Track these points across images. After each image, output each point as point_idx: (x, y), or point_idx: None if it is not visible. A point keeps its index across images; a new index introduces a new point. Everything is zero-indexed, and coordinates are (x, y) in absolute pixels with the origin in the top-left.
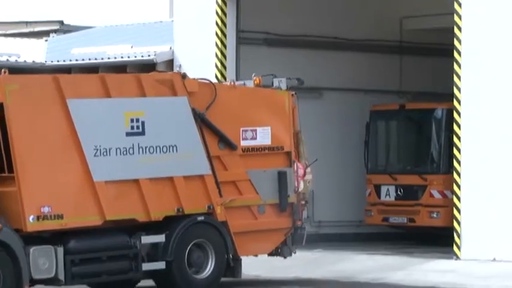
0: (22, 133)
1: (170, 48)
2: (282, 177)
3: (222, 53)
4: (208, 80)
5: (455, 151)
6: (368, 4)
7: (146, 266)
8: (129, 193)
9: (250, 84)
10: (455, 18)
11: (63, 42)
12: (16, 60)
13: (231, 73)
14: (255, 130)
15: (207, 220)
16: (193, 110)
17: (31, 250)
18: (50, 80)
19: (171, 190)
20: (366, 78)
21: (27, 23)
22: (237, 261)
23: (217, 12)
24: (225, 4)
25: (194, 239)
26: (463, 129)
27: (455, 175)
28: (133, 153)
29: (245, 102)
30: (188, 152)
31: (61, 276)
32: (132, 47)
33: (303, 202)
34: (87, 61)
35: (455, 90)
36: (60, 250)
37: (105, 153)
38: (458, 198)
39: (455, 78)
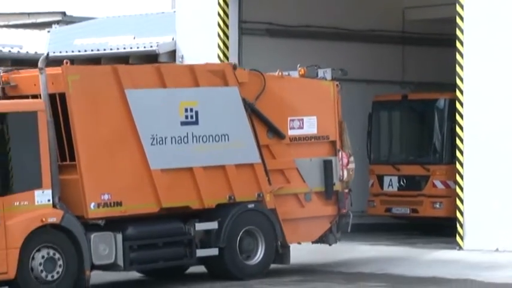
0: (83, 122)
1: (172, 39)
2: (327, 165)
3: (224, 43)
4: (257, 70)
5: (457, 141)
6: None
7: (200, 253)
8: (183, 181)
9: (294, 74)
10: (458, 8)
11: (65, 33)
12: (18, 52)
13: None
14: (302, 119)
15: (257, 208)
16: (243, 99)
17: (92, 236)
18: (109, 71)
19: (223, 178)
20: (368, 68)
21: (29, 14)
22: (286, 248)
23: (219, 3)
24: None
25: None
26: (466, 119)
27: (457, 165)
28: (187, 142)
29: (292, 92)
30: (239, 141)
31: (120, 262)
32: (134, 38)
33: (347, 190)
34: (89, 52)
35: (458, 81)
36: (119, 236)
37: (161, 142)
38: (461, 189)
39: (458, 69)
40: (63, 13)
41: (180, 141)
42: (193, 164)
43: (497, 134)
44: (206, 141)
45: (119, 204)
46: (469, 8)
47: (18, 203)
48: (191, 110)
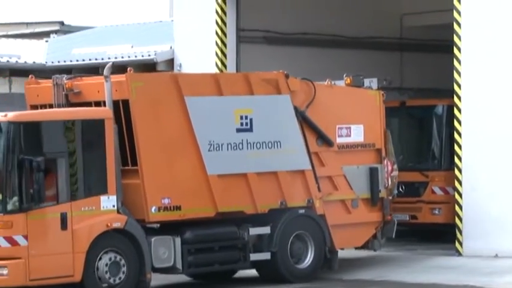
0: (145, 128)
1: (170, 47)
2: (373, 173)
3: (222, 51)
4: (308, 79)
5: (456, 147)
6: (368, 1)
7: (254, 257)
8: (238, 186)
9: (341, 83)
10: (455, 14)
11: (63, 43)
12: (17, 61)
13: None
14: (350, 128)
15: (307, 213)
16: (295, 107)
17: (152, 240)
18: (169, 79)
19: (275, 184)
20: (366, 75)
21: (27, 24)
22: (333, 253)
23: (217, 11)
24: (225, 3)
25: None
26: (464, 126)
27: (456, 171)
28: (242, 148)
29: (340, 100)
30: (291, 147)
31: (179, 265)
32: (132, 46)
33: (391, 197)
34: (87, 61)
35: (456, 87)
36: (178, 240)
37: (217, 148)
38: (460, 195)
39: (456, 75)
40: (61, 23)
41: (235, 148)
42: (248, 170)
43: (496, 139)
44: (260, 147)
45: (178, 208)
46: (467, 14)
47: (85, 208)
48: (246, 117)
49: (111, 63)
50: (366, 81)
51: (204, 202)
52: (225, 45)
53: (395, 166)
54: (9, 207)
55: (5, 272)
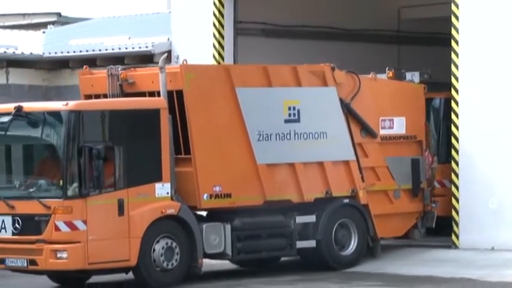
0: (198, 118)
1: (168, 39)
2: (415, 164)
3: (219, 43)
4: (353, 72)
5: (453, 140)
6: None
7: (300, 244)
8: (285, 176)
9: (383, 77)
10: (453, 7)
11: (60, 34)
12: (14, 52)
13: None
14: (392, 120)
15: (351, 203)
16: (340, 99)
17: (204, 226)
18: (221, 70)
19: (321, 174)
20: (364, 68)
21: (24, 14)
22: (376, 242)
23: (214, 3)
24: None
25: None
26: (461, 119)
27: (453, 164)
28: (290, 138)
29: (384, 93)
30: (336, 138)
31: (228, 251)
32: (129, 38)
33: (431, 188)
34: (84, 53)
35: (453, 80)
36: (228, 227)
37: (266, 138)
38: (457, 188)
39: (453, 68)
40: (59, 14)
41: (283, 138)
42: (295, 160)
43: (493, 132)
44: (307, 138)
45: (229, 196)
46: (464, 7)
47: (140, 195)
48: (294, 108)
49: (165, 55)
50: (408, 75)
51: (253, 190)
52: (222, 37)
53: (435, 158)
54: (70, 193)
55: (64, 255)
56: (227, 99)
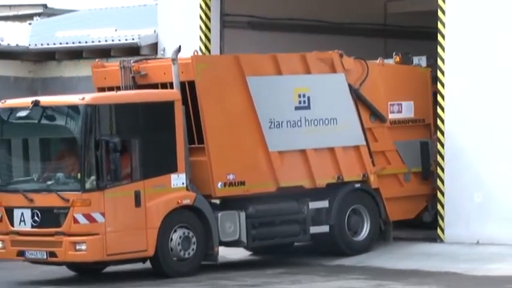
0: (211, 108)
1: (154, 31)
2: (424, 147)
3: (206, 36)
4: (361, 58)
5: (438, 134)
6: None
7: (313, 230)
8: (297, 162)
9: (390, 62)
10: (439, 1)
11: (47, 26)
12: None
13: None
14: (401, 104)
15: (363, 187)
16: (349, 85)
17: (219, 215)
18: (232, 60)
19: (332, 159)
20: None
21: (10, 6)
22: (388, 225)
23: None
24: None
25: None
26: (447, 112)
27: (439, 158)
28: (300, 125)
29: (392, 78)
30: (346, 124)
31: (243, 239)
32: (116, 30)
33: None
34: (71, 44)
35: (439, 74)
36: (242, 214)
37: (278, 126)
38: (442, 181)
39: (439, 62)
40: (45, 5)
41: (294, 125)
42: (306, 146)
43: (479, 127)
44: (317, 124)
45: (243, 183)
46: (451, 1)
47: (156, 186)
48: (304, 95)
49: (178, 46)
50: (415, 59)
51: (266, 177)
52: (209, 29)
53: None
54: (87, 186)
55: (83, 247)
56: (238, 88)
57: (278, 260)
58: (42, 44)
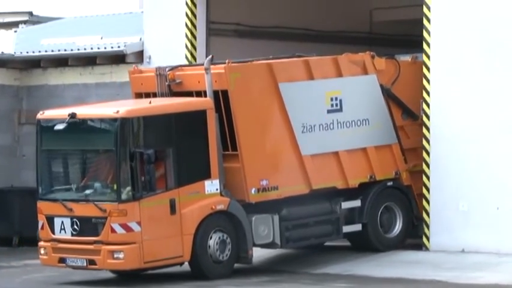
0: (244, 116)
1: (140, 39)
2: None
3: (192, 44)
4: (393, 57)
5: (424, 142)
6: None
7: (346, 229)
8: (330, 164)
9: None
10: (425, 9)
11: (32, 33)
12: None
13: None
14: None
15: (395, 185)
16: (381, 85)
17: (253, 219)
18: (265, 67)
19: (364, 159)
20: None
21: None
22: (419, 220)
23: (187, 4)
24: None
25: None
26: (432, 121)
27: (424, 167)
28: (333, 128)
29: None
30: (378, 124)
31: (277, 241)
32: (101, 38)
33: None
34: (56, 52)
35: (424, 82)
36: (276, 218)
37: (310, 130)
38: (428, 189)
39: (424, 70)
40: (30, 13)
41: (326, 128)
42: (339, 148)
43: (464, 134)
44: (349, 126)
45: (276, 188)
46: (436, 10)
47: (191, 193)
48: (336, 98)
49: (211, 56)
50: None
51: (299, 181)
52: (194, 37)
53: None
54: (124, 196)
55: (121, 256)
56: (271, 95)
57: (263, 268)
58: (27, 52)
